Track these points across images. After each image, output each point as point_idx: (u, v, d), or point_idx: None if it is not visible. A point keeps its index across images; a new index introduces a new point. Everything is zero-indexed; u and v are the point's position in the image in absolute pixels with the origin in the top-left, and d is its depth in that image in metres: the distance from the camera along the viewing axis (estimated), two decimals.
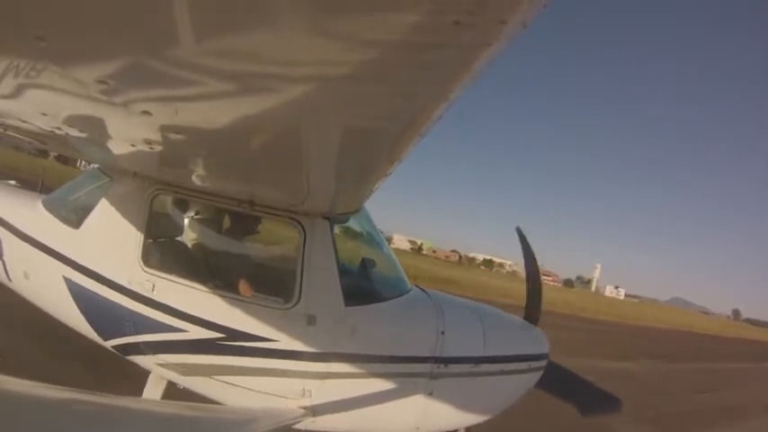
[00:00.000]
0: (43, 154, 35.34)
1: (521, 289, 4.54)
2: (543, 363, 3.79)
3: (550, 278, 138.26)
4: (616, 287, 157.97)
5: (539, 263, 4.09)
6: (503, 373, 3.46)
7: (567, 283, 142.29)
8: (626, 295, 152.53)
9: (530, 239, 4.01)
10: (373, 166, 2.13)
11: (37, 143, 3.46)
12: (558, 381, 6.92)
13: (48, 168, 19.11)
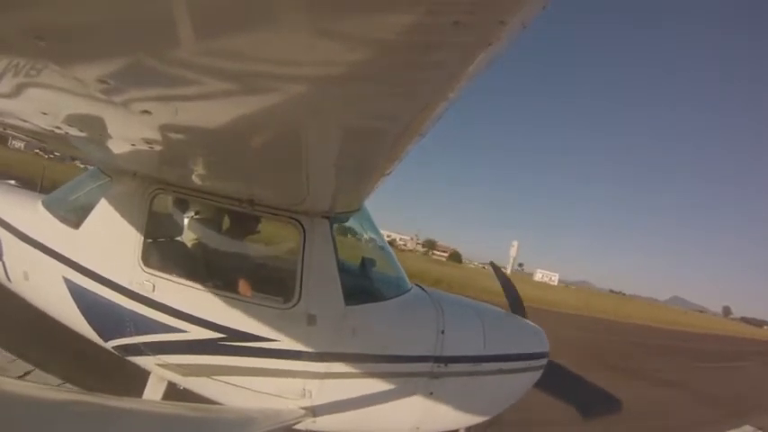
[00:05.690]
0: None
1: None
2: (543, 361, 3.79)
3: (446, 254, 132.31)
4: (520, 265, 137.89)
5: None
6: (503, 372, 3.46)
7: (456, 257, 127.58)
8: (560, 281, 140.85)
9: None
10: (373, 165, 2.13)
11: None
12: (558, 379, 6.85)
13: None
